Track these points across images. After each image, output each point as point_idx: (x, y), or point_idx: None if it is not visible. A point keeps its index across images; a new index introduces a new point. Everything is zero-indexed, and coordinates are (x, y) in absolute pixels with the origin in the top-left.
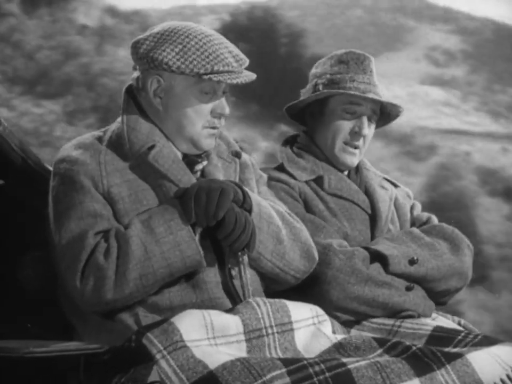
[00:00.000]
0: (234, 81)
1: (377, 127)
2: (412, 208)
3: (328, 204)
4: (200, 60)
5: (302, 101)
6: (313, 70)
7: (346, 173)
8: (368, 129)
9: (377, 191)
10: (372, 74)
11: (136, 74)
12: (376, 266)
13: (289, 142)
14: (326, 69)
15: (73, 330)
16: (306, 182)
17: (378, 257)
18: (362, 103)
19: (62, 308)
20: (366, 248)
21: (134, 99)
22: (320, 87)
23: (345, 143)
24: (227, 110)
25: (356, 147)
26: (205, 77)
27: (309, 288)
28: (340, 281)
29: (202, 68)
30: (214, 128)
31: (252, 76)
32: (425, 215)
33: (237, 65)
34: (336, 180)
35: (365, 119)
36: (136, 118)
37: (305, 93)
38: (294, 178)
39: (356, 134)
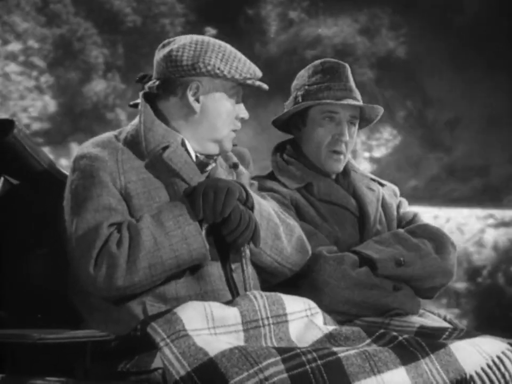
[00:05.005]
0: (264, 86)
1: (360, 127)
2: (398, 206)
3: (319, 209)
4: (240, 66)
5: (284, 114)
6: (294, 83)
7: (334, 176)
8: (349, 134)
9: (365, 193)
10: (348, 80)
11: (154, 82)
12: (365, 269)
13: (279, 149)
14: (304, 81)
15: (81, 323)
16: (297, 189)
17: (367, 261)
18: (339, 110)
19: (71, 301)
20: (355, 252)
21: (150, 104)
22: (300, 99)
23: (330, 151)
24: (247, 115)
25: (339, 153)
26: (249, 81)
27: (303, 294)
28: (331, 287)
29: (242, 73)
30: (235, 131)
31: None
32: (411, 212)
33: (258, 73)
34: (325, 186)
35: (344, 125)
36: (152, 120)
37: (287, 105)
38: (285, 186)
39: (337, 140)
